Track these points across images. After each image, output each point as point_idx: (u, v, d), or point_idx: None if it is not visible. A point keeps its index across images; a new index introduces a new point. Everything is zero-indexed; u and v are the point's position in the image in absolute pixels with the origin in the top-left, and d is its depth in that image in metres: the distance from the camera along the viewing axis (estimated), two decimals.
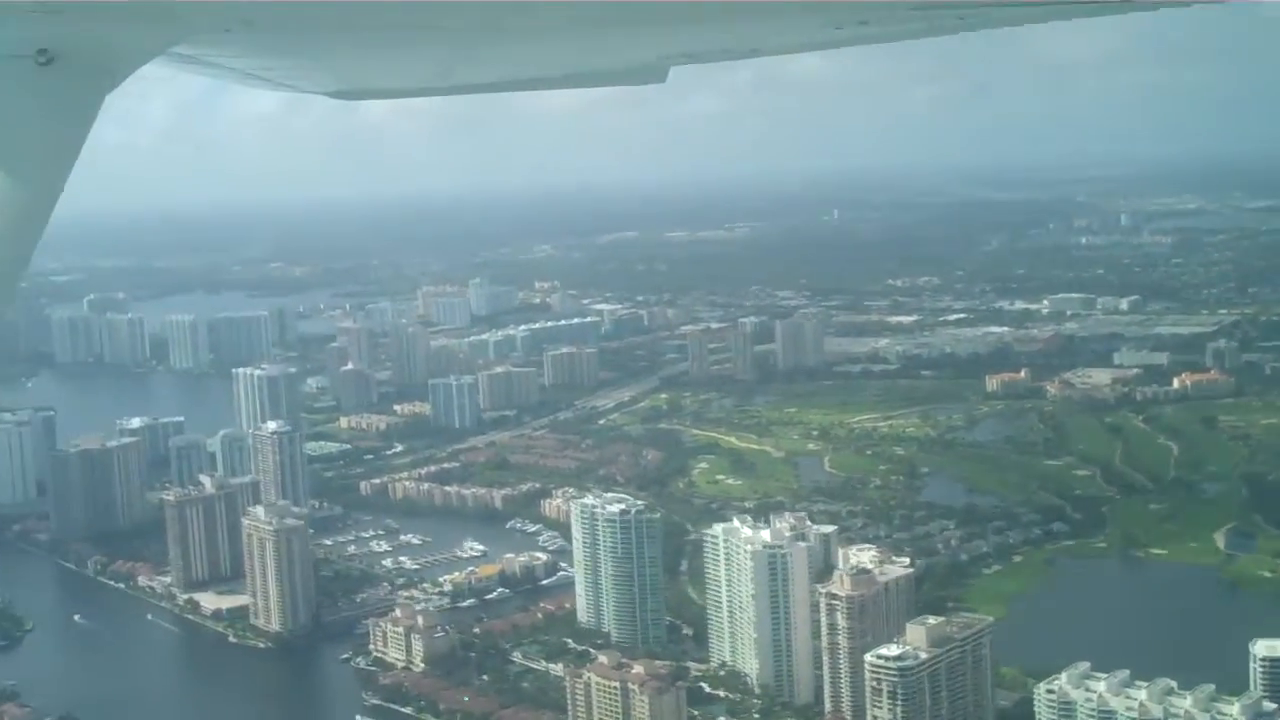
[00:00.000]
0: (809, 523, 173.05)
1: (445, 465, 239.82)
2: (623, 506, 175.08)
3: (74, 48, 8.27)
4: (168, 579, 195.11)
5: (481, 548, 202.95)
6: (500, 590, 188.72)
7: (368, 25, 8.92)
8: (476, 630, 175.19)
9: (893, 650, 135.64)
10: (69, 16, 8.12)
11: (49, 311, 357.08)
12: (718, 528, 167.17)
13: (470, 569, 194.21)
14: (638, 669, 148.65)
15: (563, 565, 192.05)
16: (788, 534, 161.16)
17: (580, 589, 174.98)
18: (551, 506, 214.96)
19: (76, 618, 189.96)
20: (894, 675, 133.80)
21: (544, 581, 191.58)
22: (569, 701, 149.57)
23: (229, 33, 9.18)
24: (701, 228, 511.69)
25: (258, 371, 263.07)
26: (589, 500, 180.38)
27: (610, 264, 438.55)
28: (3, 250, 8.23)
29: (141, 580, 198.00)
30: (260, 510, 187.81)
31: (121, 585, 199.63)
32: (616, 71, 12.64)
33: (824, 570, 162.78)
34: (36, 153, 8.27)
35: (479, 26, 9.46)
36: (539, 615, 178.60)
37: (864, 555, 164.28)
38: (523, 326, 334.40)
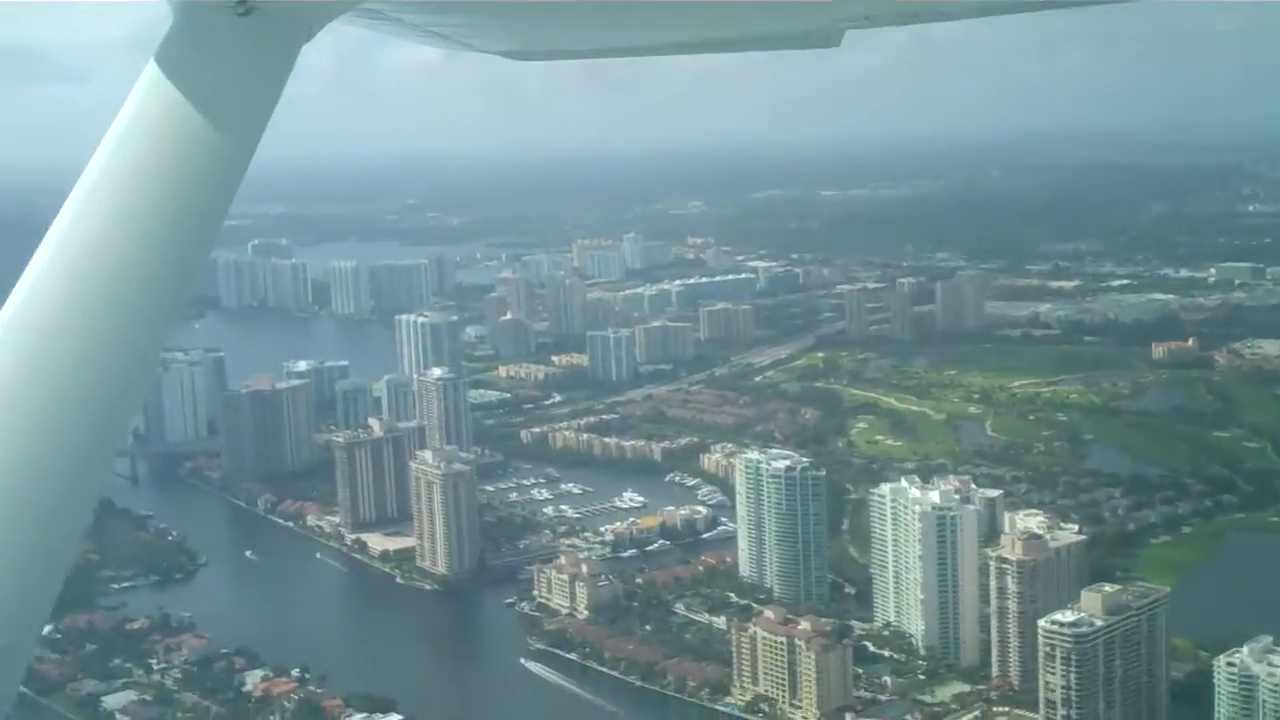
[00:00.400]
0: (973, 486, 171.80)
1: (603, 417, 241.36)
2: (788, 463, 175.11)
3: None
4: (336, 519, 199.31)
5: (641, 499, 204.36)
6: (661, 542, 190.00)
7: None
8: (639, 580, 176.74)
9: (1068, 616, 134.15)
10: None
11: (214, 255, 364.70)
12: (885, 488, 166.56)
13: (631, 520, 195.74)
14: (804, 625, 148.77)
15: (723, 520, 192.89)
16: (955, 497, 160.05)
17: (743, 544, 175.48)
18: (710, 461, 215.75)
19: (248, 553, 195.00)
20: (1068, 641, 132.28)
21: (704, 535, 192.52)
22: (734, 655, 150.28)
23: None
24: (855, 186, 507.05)
25: (420, 318, 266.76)
26: (754, 456, 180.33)
27: (763, 221, 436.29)
28: (204, 201, 8.32)
29: (310, 520, 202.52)
30: (428, 455, 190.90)
31: (290, 524, 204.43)
32: (790, 35, 12.47)
33: (989, 534, 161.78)
34: (236, 102, 8.37)
35: None
36: (700, 568, 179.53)
37: (1031, 521, 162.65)
38: (677, 281, 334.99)
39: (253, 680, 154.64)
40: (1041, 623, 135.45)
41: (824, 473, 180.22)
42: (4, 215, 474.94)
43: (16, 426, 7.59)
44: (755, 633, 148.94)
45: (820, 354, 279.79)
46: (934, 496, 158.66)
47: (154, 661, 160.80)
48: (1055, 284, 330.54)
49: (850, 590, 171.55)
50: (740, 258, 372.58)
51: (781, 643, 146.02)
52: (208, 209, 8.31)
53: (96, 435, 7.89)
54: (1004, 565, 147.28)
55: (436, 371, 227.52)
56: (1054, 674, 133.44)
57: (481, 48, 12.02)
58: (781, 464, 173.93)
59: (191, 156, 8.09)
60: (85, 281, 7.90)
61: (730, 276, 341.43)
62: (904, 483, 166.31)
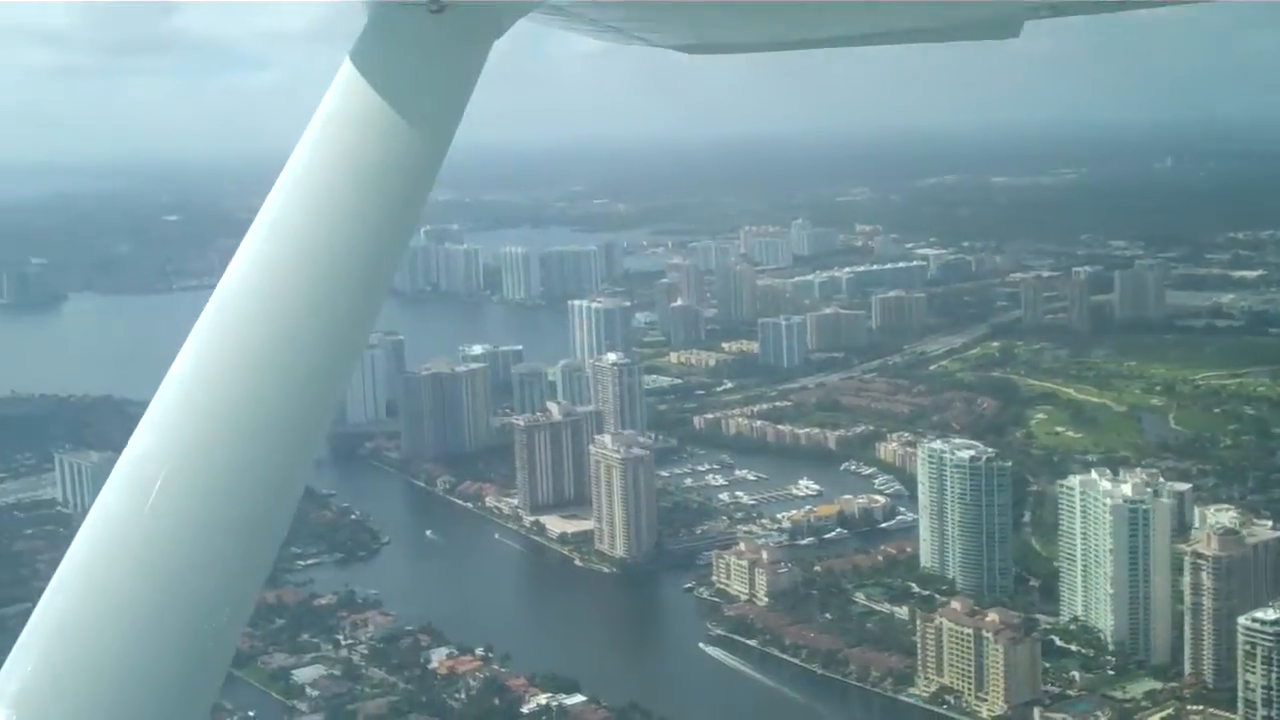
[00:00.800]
0: (1161, 479, 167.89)
1: (776, 404, 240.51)
2: (972, 453, 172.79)
3: None
4: (514, 501, 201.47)
5: (816, 487, 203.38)
6: (838, 530, 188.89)
7: None
8: (817, 568, 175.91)
9: (1270, 614, 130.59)
10: None
11: None
12: (1073, 479, 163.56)
13: (808, 508, 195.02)
14: (991, 617, 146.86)
15: (901, 509, 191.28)
16: (1147, 490, 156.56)
17: (924, 534, 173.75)
18: (886, 450, 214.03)
19: (428, 533, 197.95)
20: (1270, 640, 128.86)
21: (883, 524, 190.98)
22: (919, 646, 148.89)
23: None
24: (1027, 173, 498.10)
25: (593, 304, 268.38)
26: (937, 445, 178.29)
27: (932, 207, 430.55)
28: (401, 196, 8.32)
29: (489, 501, 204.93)
30: (607, 439, 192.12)
31: (469, 505, 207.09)
32: (969, 25, 12.15)
33: (1178, 529, 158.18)
34: (430, 99, 8.38)
35: None
36: (879, 558, 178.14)
37: (1223, 516, 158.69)
38: (847, 269, 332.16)
39: (438, 658, 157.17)
40: (1242, 620, 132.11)
41: (1010, 463, 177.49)
42: (194, 199, 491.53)
43: (226, 415, 7.76)
44: (941, 623, 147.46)
45: (995, 343, 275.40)
46: (1125, 489, 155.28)
47: (341, 637, 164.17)
48: (1237, 274, 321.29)
49: (1034, 583, 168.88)
50: (909, 245, 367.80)
51: (968, 634, 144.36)
52: (405, 204, 8.37)
53: (303, 424, 8.03)
54: (1199, 560, 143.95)
55: (611, 357, 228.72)
56: (1254, 673, 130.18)
57: (657, 42, 12.01)
58: (966, 454, 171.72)
59: (388, 153, 8.20)
60: (289, 275, 8.01)
61: (901, 264, 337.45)
62: (1093, 475, 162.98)
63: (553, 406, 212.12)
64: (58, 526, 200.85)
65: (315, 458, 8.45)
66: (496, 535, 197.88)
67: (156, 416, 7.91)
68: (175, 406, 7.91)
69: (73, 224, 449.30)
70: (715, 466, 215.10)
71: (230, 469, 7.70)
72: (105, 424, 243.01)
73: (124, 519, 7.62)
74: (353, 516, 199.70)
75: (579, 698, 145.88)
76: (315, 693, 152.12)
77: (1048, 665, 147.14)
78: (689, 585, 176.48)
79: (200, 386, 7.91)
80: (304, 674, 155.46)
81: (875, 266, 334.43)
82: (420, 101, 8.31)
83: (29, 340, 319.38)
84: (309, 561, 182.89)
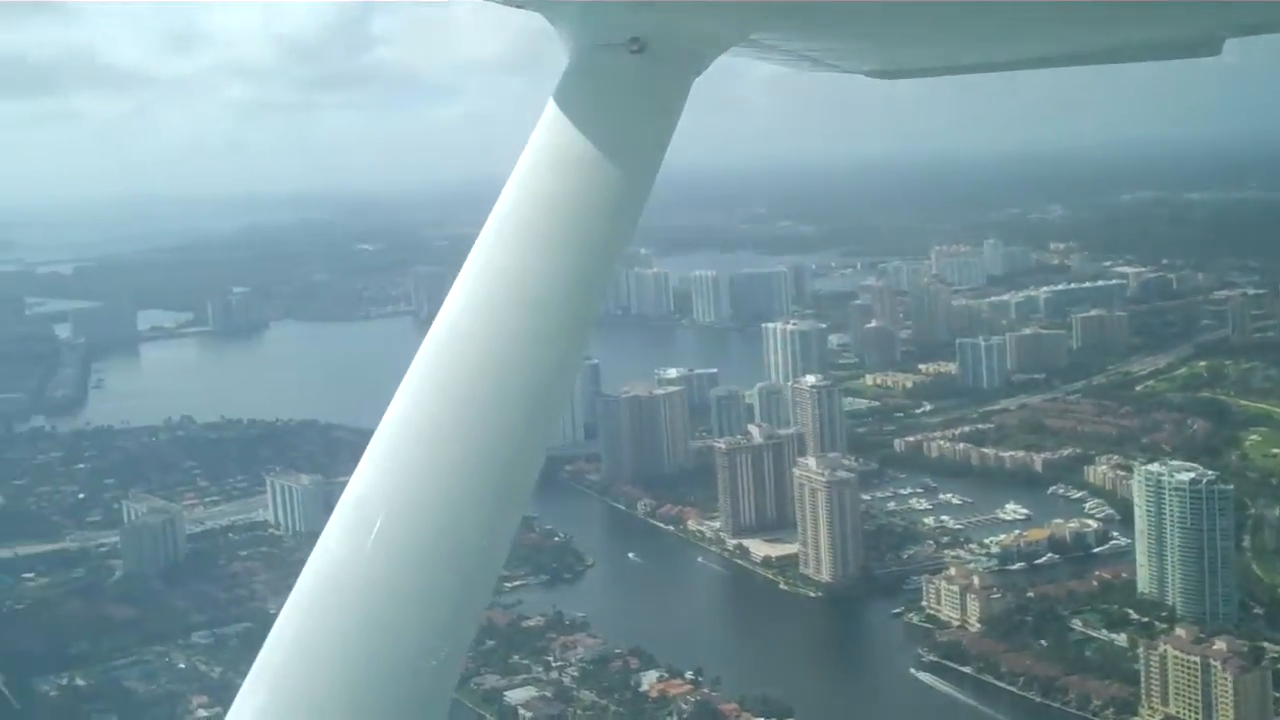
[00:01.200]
0: None
1: (978, 426, 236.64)
2: (1192, 475, 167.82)
3: (664, 35, 8.52)
4: (716, 524, 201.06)
5: (1024, 511, 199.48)
6: (1049, 555, 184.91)
7: (924, 7, 8.74)
8: (1030, 594, 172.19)
9: None
10: (660, 7, 8.52)
11: None
12: None
13: (1017, 532, 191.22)
14: (1218, 645, 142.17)
15: (1114, 533, 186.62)
16: None
17: (1141, 558, 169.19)
18: (1095, 473, 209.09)
19: (631, 556, 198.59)
20: None
21: (1095, 549, 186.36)
22: (1142, 674, 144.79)
23: (797, 18, 9.24)
24: (1224, 188, 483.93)
25: (788, 326, 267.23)
26: (1154, 468, 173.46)
27: (1129, 225, 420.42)
28: (607, 232, 8.44)
29: (690, 524, 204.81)
30: (811, 461, 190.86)
31: (670, 527, 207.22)
32: (1167, 44, 11.72)
33: None
34: (633, 138, 8.46)
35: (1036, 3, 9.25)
36: (1094, 583, 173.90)
37: None
38: (1044, 288, 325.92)
39: (648, 680, 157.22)
40: None
41: (1231, 486, 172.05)
42: (387, 228, 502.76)
43: (444, 453, 7.96)
44: (1165, 651, 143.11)
45: (1203, 363, 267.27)
46: None
47: (550, 659, 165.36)
48: None
49: (1259, 610, 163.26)
50: (1106, 263, 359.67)
51: (1195, 663, 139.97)
52: (611, 241, 8.55)
53: (519, 460, 8.16)
54: None
55: (810, 379, 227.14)
56: None
57: (848, 68, 11.93)
58: (1185, 476, 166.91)
59: (594, 191, 8.33)
60: (501, 313, 8.22)
61: (1099, 282, 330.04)
62: None
63: (754, 429, 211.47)
64: (271, 548, 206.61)
65: (534, 482, 8.50)
66: (699, 559, 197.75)
67: (376, 455, 8.08)
68: (394, 446, 8.09)
69: (271, 253, 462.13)
70: (918, 490, 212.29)
71: (449, 507, 7.90)
72: (311, 447, 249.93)
73: (346, 559, 7.82)
74: (556, 539, 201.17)
75: None
76: (528, 714, 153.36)
77: (1279, 695, 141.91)
78: (898, 610, 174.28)
79: (418, 425, 8.12)
80: (516, 695, 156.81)
81: (1073, 285, 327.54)
82: (624, 140, 8.46)
83: (234, 366, 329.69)
84: (516, 583, 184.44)
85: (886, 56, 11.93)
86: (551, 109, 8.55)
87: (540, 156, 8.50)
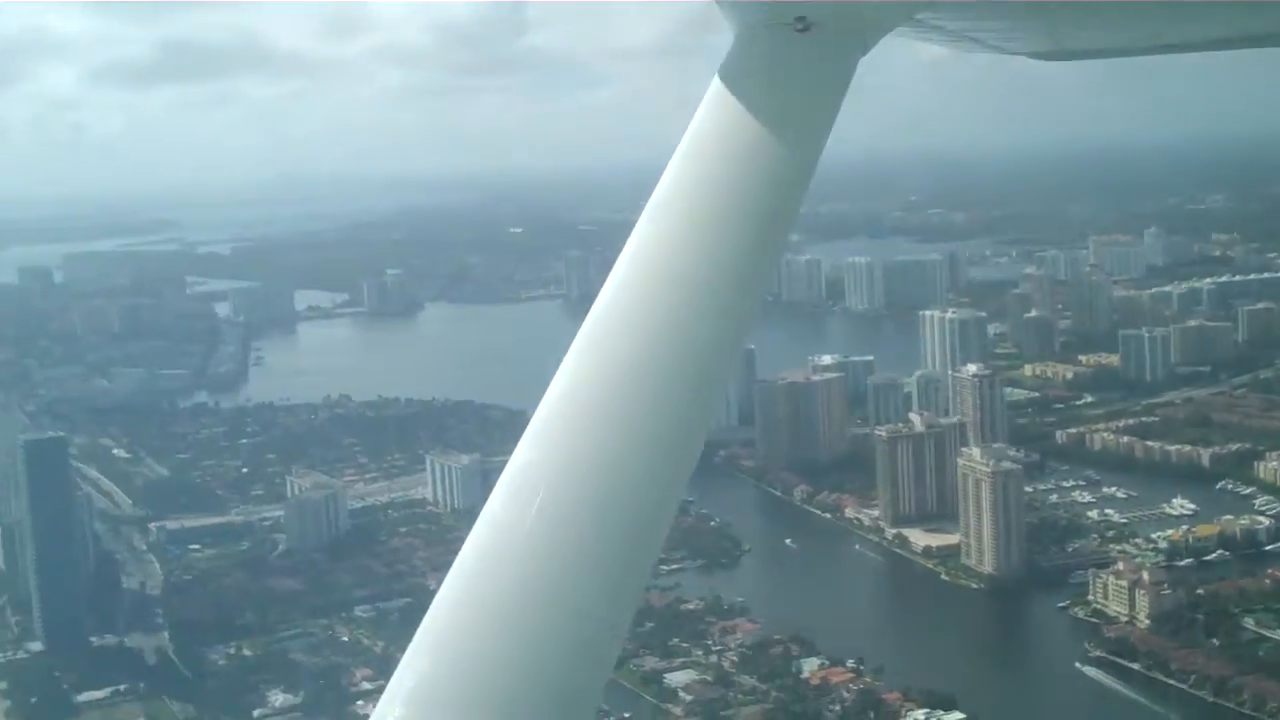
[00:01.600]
0: None
1: (1141, 419, 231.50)
2: None
3: (830, 15, 8.42)
4: (875, 512, 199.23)
5: (1192, 506, 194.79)
6: (1219, 552, 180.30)
7: None
8: (1200, 591, 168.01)
9: None
10: None
11: None
12: None
13: (1185, 527, 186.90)
14: None
15: None
16: None
17: None
18: (1266, 469, 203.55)
19: (787, 542, 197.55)
20: None
21: (1267, 547, 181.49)
22: None
23: None
24: None
25: (946, 314, 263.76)
26: None
27: None
28: (770, 212, 8.29)
29: (848, 512, 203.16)
30: (975, 451, 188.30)
31: (828, 515, 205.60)
32: None
33: None
34: (797, 117, 8.41)
35: None
36: (1267, 581, 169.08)
37: None
38: (1208, 279, 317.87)
39: (809, 667, 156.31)
40: None
41: None
42: (537, 212, 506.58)
43: (607, 429, 7.93)
44: None
45: None
46: None
47: (709, 643, 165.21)
48: None
49: None
50: (1271, 255, 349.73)
51: None
52: (775, 221, 8.45)
53: (680, 439, 8.08)
54: None
55: (971, 368, 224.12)
56: None
57: (1013, 50, 11.64)
58: None
59: (758, 170, 8.26)
60: (664, 292, 8.14)
61: (1265, 274, 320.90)
62: None
63: (915, 417, 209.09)
64: (430, 525, 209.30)
65: (693, 467, 8.32)
66: (856, 546, 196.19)
67: (539, 429, 8.06)
68: (556, 420, 8.05)
69: (423, 236, 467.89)
70: (1081, 482, 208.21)
71: (611, 482, 7.87)
72: (467, 427, 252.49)
73: (509, 528, 7.83)
74: (712, 524, 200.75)
75: (957, 715, 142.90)
76: (689, 697, 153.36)
77: None
78: (1063, 604, 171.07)
79: (580, 401, 8.08)
80: (675, 678, 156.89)
81: (1237, 277, 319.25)
82: (788, 119, 8.37)
83: (390, 347, 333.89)
84: (673, 566, 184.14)
85: (1054, 36, 11.53)
86: (716, 88, 8.48)
87: (704, 137, 8.43)
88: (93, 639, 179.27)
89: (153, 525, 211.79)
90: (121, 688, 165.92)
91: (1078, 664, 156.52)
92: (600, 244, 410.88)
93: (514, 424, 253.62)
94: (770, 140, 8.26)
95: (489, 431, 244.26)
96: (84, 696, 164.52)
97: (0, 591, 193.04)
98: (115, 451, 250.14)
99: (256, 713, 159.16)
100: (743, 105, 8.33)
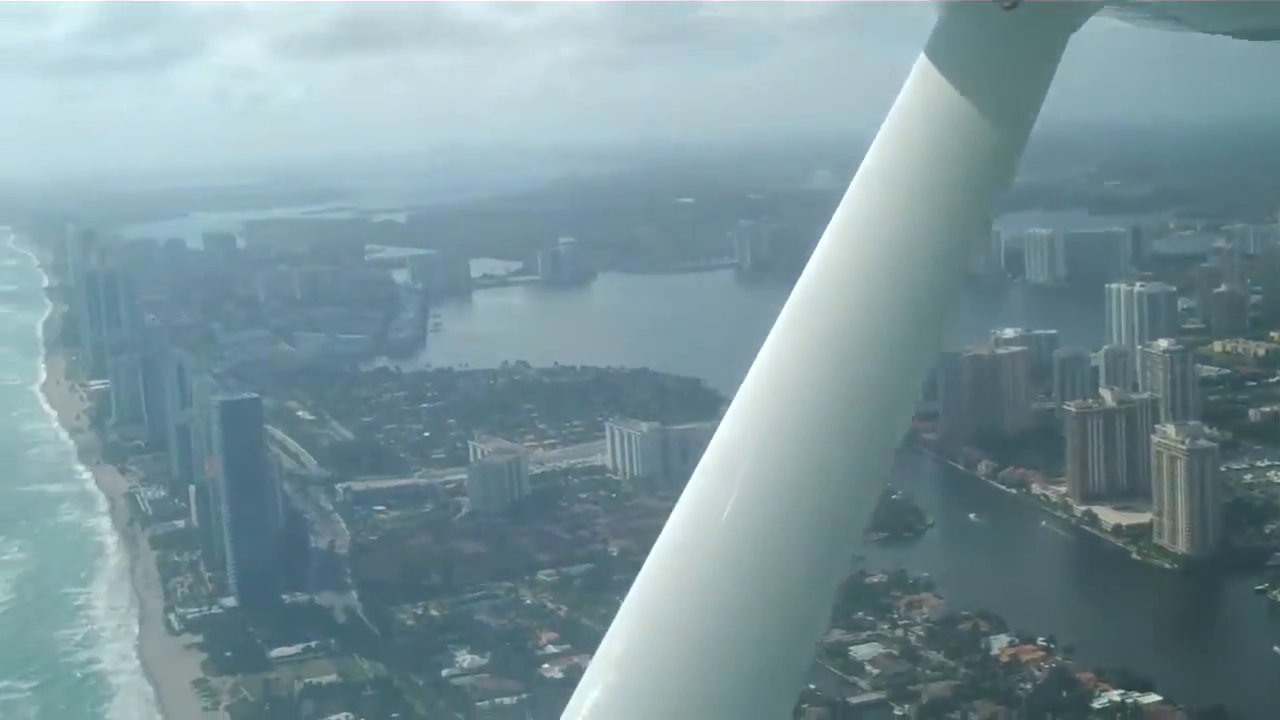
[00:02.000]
0: None
1: None
2: None
3: None
4: (1062, 489, 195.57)
5: None
6: None
7: None
8: None
9: None
10: None
11: None
12: None
13: None
14: None
15: None
16: None
17: None
18: None
19: (971, 516, 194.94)
20: None
21: None
22: None
23: None
24: None
25: (1134, 288, 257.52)
26: None
27: None
28: (976, 189, 8.09)
29: (1035, 488, 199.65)
30: (1170, 429, 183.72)
31: (1013, 490, 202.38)
32: None
33: None
34: (1005, 95, 8.21)
35: None
36: None
37: None
38: None
39: (998, 645, 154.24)
40: None
41: None
42: (705, 183, 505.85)
43: (811, 406, 7.81)
44: None
45: None
46: None
47: (895, 616, 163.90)
48: None
49: None
50: None
51: None
52: (981, 198, 8.19)
53: (885, 418, 7.93)
54: None
55: (1163, 343, 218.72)
56: None
57: (1214, 28, 10.69)
58: None
59: (965, 148, 8.07)
60: (870, 269, 7.97)
61: None
62: None
63: (1105, 393, 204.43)
64: (610, 493, 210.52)
65: (896, 448, 8.06)
66: (1043, 523, 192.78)
67: (744, 404, 7.97)
68: (762, 396, 7.95)
69: (592, 205, 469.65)
70: (1276, 463, 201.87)
71: (815, 459, 7.77)
72: (643, 394, 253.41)
73: (713, 501, 7.76)
74: (894, 497, 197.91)
75: (1154, 697, 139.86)
76: (875, 670, 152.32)
77: None
78: (1260, 587, 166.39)
79: (786, 377, 7.98)
80: (861, 651, 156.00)
81: None
82: (996, 97, 8.20)
83: (564, 315, 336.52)
84: None
85: (1257, 15, 10.58)
86: (922, 65, 8.32)
87: (910, 115, 8.27)
88: (284, 596, 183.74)
89: (339, 486, 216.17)
90: (313, 644, 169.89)
91: (1277, 648, 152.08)
92: (770, 213, 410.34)
93: (688, 393, 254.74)
94: (978, 119, 8.12)
95: (665, 400, 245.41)
96: (276, 652, 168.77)
97: (195, 548, 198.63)
98: (300, 414, 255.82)
99: (445, 672, 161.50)
100: (950, 82, 8.20)
